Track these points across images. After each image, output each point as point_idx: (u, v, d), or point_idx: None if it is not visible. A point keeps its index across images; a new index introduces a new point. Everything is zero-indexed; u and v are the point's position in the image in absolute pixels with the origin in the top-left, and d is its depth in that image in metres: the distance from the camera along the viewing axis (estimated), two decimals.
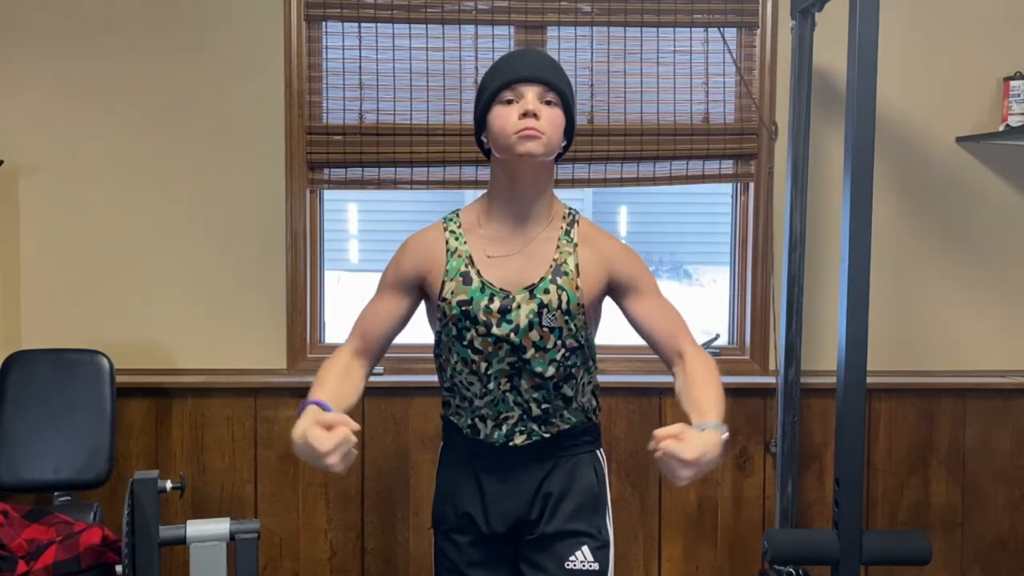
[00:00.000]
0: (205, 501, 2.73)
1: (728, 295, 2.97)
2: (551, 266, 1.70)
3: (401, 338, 1.82)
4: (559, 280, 1.68)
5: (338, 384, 1.65)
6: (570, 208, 1.80)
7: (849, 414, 2.02)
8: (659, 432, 1.43)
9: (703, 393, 1.58)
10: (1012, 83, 2.69)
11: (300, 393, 2.72)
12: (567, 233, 1.74)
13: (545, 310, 1.67)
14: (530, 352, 1.68)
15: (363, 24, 2.75)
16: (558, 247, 1.72)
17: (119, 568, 1.74)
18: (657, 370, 2.58)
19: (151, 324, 2.75)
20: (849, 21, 2.02)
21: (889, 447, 2.82)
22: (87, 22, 2.69)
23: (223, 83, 2.72)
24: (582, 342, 1.73)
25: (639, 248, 1.80)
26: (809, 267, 2.72)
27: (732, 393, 2.75)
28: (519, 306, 1.67)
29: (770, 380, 2.78)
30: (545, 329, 1.68)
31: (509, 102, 1.65)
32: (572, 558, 1.71)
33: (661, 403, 2.77)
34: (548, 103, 1.66)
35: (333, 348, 2.81)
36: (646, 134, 2.77)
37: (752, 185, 2.85)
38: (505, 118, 1.64)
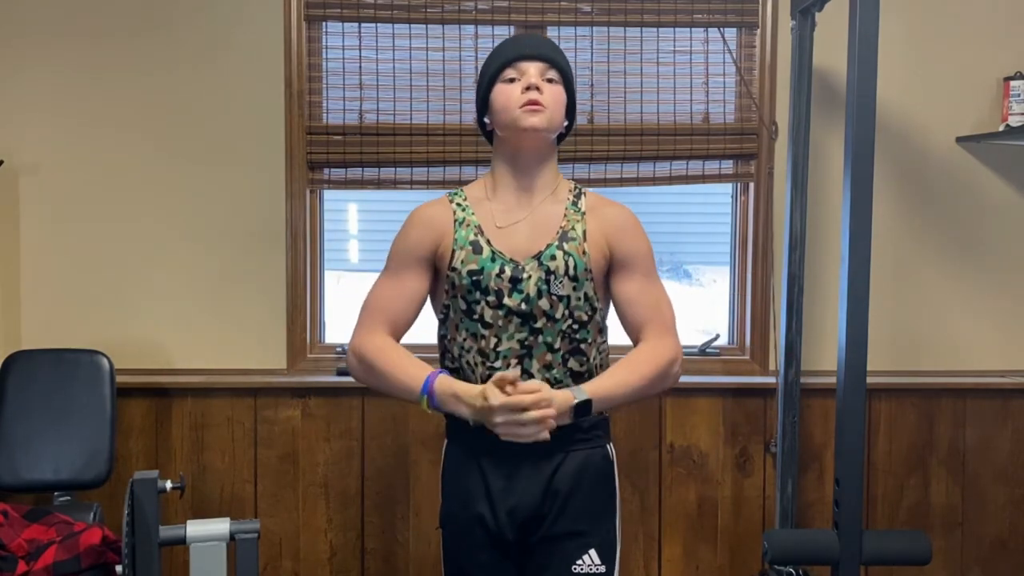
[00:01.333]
0: (205, 501, 2.73)
1: (728, 295, 2.97)
2: (558, 232, 1.72)
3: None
4: (566, 246, 1.70)
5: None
6: (576, 183, 1.82)
7: (849, 414, 2.02)
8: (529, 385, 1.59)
9: (612, 369, 1.69)
10: (1012, 83, 2.69)
11: (300, 393, 2.72)
12: (574, 203, 1.76)
13: (552, 277, 1.68)
14: (541, 322, 1.68)
15: (363, 24, 2.75)
16: (565, 215, 1.74)
17: (119, 568, 1.74)
18: None
19: (151, 324, 2.75)
20: (849, 21, 2.01)
21: (889, 447, 2.82)
22: (87, 22, 2.69)
23: (223, 83, 2.72)
24: (591, 315, 1.72)
25: None
26: (809, 267, 2.72)
27: (732, 393, 2.79)
28: (529, 276, 1.68)
29: (770, 380, 2.78)
30: (554, 297, 1.68)
31: (512, 80, 1.70)
32: (579, 562, 1.69)
33: (661, 403, 2.77)
34: (550, 80, 1.71)
35: (333, 348, 2.85)
36: (646, 134, 2.77)
37: (752, 185, 2.84)
38: (508, 94, 1.69)
